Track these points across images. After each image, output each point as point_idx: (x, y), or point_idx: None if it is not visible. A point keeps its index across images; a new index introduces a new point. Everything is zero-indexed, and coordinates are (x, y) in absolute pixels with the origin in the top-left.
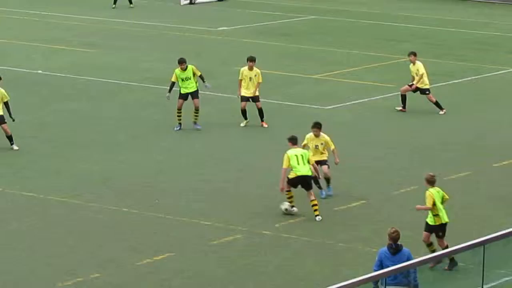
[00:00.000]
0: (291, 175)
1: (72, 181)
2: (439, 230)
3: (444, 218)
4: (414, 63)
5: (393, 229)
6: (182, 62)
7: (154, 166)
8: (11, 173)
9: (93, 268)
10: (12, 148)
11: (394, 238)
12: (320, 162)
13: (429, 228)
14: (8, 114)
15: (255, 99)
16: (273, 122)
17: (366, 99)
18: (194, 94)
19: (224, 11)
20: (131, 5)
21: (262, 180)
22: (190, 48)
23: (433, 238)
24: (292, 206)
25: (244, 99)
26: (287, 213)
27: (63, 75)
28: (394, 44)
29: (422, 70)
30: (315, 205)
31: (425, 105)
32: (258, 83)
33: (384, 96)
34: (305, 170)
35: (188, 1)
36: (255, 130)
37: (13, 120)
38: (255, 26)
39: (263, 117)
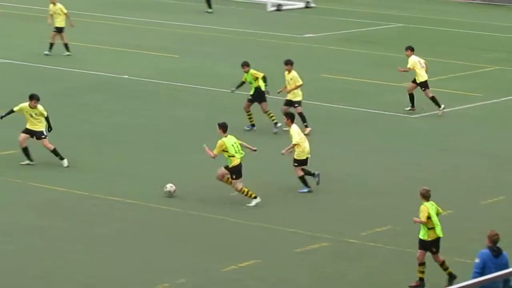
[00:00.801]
0: (235, 163)
1: (157, 185)
2: (432, 245)
3: (439, 232)
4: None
5: (494, 232)
6: (242, 65)
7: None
8: (99, 178)
9: (179, 274)
10: (62, 165)
11: (495, 240)
12: None
13: (423, 245)
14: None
15: (291, 103)
16: (359, 130)
17: (451, 108)
18: (255, 98)
19: (310, 18)
20: (210, 10)
21: (347, 188)
22: (275, 54)
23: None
24: (255, 197)
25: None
26: (169, 196)
27: (148, 79)
28: (479, 52)
29: (410, 65)
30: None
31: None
32: (296, 86)
33: (470, 105)
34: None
35: (275, 8)
36: (339, 136)
37: (49, 131)
38: (341, 33)
39: (304, 122)
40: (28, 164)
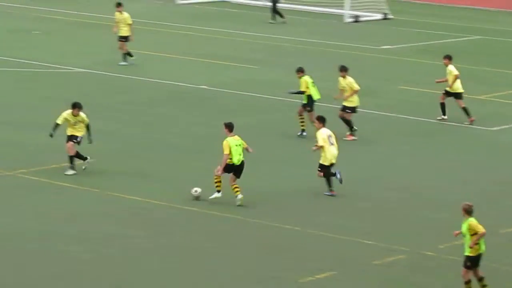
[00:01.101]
0: (229, 162)
1: (245, 197)
2: (477, 260)
3: (482, 248)
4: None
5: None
6: (297, 71)
7: (316, 184)
8: (175, 188)
9: (254, 285)
10: (84, 168)
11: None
12: None
13: (470, 261)
14: (87, 136)
15: (346, 108)
16: (437, 142)
17: None
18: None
19: (388, 30)
20: (278, 20)
21: (423, 201)
22: (352, 66)
23: None
24: (219, 191)
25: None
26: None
27: (227, 90)
28: None
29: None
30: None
31: None
32: (353, 91)
33: None
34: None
35: (353, 19)
36: (416, 148)
37: (89, 142)
38: (419, 45)
39: (351, 128)
40: (73, 174)
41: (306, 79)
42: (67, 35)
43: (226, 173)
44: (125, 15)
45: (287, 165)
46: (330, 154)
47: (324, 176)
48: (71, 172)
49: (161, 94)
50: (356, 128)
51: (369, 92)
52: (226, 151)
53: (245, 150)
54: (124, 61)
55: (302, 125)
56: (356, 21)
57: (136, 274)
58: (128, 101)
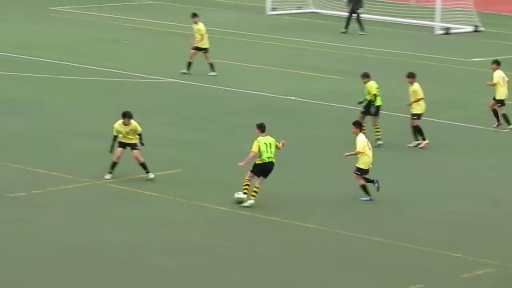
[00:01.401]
0: (258, 161)
1: (325, 207)
2: None
3: None
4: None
5: None
6: (362, 76)
7: (394, 196)
8: (259, 198)
9: None
10: (147, 178)
11: None
12: None
13: None
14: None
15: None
16: None
17: None
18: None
19: (479, 42)
20: (362, 33)
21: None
22: (443, 78)
23: None
24: (245, 193)
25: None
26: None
27: (315, 101)
28: None
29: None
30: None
31: None
32: (417, 99)
33: None
34: (272, 157)
35: (444, 31)
36: (505, 161)
37: (142, 145)
38: (510, 58)
39: (420, 135)
40: (111, 178)
41: (372, 84)
42: (156, 45)
43: (255, 176)
44: (199, 26)
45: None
46: (369, 159)
47: (365, 184)
48: (109, 176)
49: (249, 104)
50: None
51: (459, 104)
52: (255, 149)
53: (277, 148)
54: (187, 69)
55: (377, 134)
56: (446, 33)
57: (220, 284)
58: (215, 112)
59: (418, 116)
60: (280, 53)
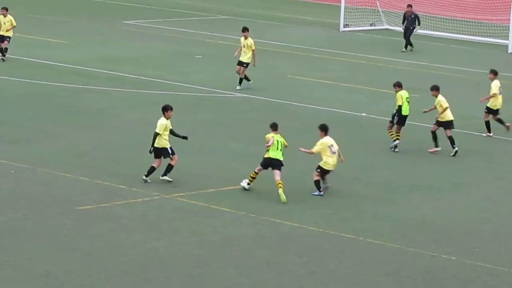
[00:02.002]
0: (266, 155)
1: (391, 224)
2: None
3: None
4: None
5: None
6: (394, 85)
7: (475, 214)
8: (330, 214)
9: None
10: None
11: None
12: None
13: None
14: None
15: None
16: None
17: None
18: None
19: None
20: (410, 49)
21: None
22: None
23: None
24: (249, 184)
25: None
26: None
27: (387, 118)
28: None
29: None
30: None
31: None
32: (443, 109)
33: None
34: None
35: None
36: None
37: (186, 138)
38: None
39: (452, 144)
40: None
41: (402, 94)
42: (228, 60)
43: (264, 169)
44: (250, 40)
45: (444, 195)
46: (331, 161)
47: (319, 181)
48: (146, 178)
49: (320, 120)
50: (439, 147)
51: None
52: (270, 142)
53: (285, 147)
54: (239, 85)
55: (393, 137)
56: None
57: None
58: (287, 126)
59: (440, 124)
60: (353, 69)
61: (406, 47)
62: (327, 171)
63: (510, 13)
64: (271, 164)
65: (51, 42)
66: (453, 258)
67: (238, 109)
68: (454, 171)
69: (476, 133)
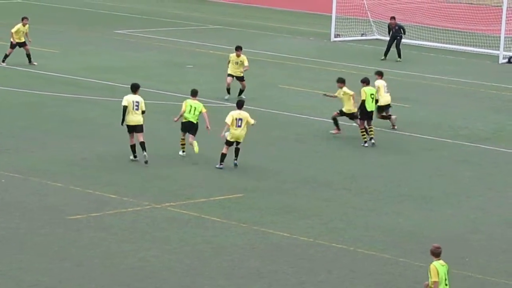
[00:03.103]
0: (182, 119)
1: (382, 234)
2: None
3: None
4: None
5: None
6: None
7: (465, 224)
8: (321, 224)
9: None
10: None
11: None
12: None
13: None
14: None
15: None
16: None
17: None
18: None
19: None
20: (399, 59)
21: None
22: (506, 107)
23: None
24: (183, 151)
25: None
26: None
27: (378, 128)
28: None
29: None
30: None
31: None
32: (349, 95)
33: None
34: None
35: (507, 60)
36: None
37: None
38: None
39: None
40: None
41: (366, 90)
42: (219, 70)
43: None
44: (243, 57)
45: (434, 205)
46: (234, 133)
47: (225, 154)
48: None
49: (312, 130)
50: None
51: None
52: (183, 109)
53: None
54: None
55: (364, 137)
56: (509, 62)
57: None
58: (277, 137)
59: (344, 113)
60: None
61: (399, 56)
62: (230, 142)
63: (501, 24)
64: (187, 127)
65: (43, 52)
66: None
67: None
68: (444, 181)
69: (467, 143)
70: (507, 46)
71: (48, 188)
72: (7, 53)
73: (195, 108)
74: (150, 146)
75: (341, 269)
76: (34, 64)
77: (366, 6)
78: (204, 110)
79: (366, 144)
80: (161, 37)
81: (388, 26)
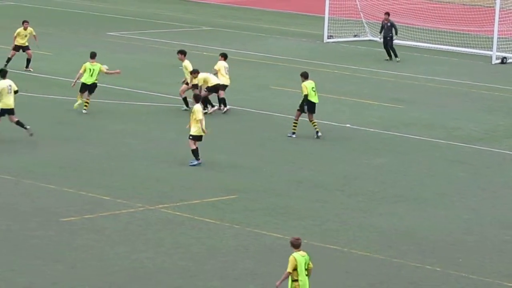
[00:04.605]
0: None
1: (376, 235)
2: None
3: (306, 285)
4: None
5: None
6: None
7: (459, 225)
8: (314, 225)
9: None
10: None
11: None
12: None
13: None
14: None
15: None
16: None
17: None
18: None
19: None
20: (397, 59)
21: None
22: (499, 107)
23: None
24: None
25: None
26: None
27: (371, 129)
28: None
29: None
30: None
31: None
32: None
33: None
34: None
35: (500, 61)
36: None
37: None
38: None
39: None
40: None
41: (306, 84)
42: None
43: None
44: (185, 62)
45: (428, 206)
46: (197, 127)
47: (196, 149)
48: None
49: (305, 131)
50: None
51: None
52: (81, 70)
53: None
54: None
55: (294, 129)
56: (502, 63)
57: None
58: (270, 138)
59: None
60: (337, 80)
61: (390, 56)
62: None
63: (494, 25)
64: (87, 88)
65: (35, 54)
66: (438, 269)
67: (222, 120)
68: (438, 182)
69: (460, 144)
70: (500, 46)
71: (40, 190)
72: (10, 56)
73: (93, 69)
74: (143, 148)
75: (335, 270)
76: (30, 70)
77: (359, 7)
78: (104, 70)
79: (294, 135)
80: (154, 39)
81: (382, 23)
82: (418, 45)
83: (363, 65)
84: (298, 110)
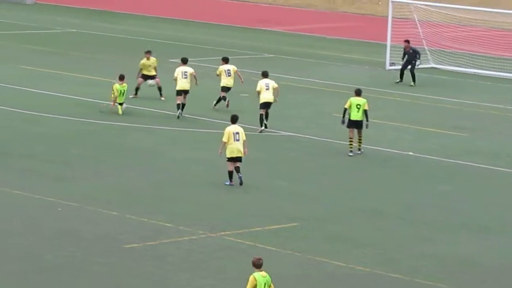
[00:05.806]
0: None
1: (439, 264)
2: None
3: None
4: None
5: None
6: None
7: None
8: (377, 253)
9: None
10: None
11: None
12: None
13: None
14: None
15: None
16: None
17: None
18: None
19: None
20: (413, 83)
21: None
22: None
23: None
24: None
25: None
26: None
27: (433, 157)
28: None
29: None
30: None
31: None
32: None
33: None
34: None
35: None
36: None
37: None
38: None
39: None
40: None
41: (352, 99)
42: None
43: None
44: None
45: (490, 234)
46: (231, 148)
47: (232, 171)
48: None
49: (367, 159)
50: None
51: None
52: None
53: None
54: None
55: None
56: None
57: None
58: (331, 165)
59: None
60: (399, 108)
61: (401, 78)
62: (232, 158)
63: None
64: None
65: (99, 81)
66: None
67: (284, 147)
68: (501, 210)
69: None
70: None
71: (103, 216)
72: (137, 86)
73: (123, 90)
74: (206, 175)
75: None
76: (162, 99)
77: (421, 34)
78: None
79: (351, 154)
80: (216, 66)
81: (403, 50)
82: (480, 73)
83: (425, 93)
84: (347, 127)
